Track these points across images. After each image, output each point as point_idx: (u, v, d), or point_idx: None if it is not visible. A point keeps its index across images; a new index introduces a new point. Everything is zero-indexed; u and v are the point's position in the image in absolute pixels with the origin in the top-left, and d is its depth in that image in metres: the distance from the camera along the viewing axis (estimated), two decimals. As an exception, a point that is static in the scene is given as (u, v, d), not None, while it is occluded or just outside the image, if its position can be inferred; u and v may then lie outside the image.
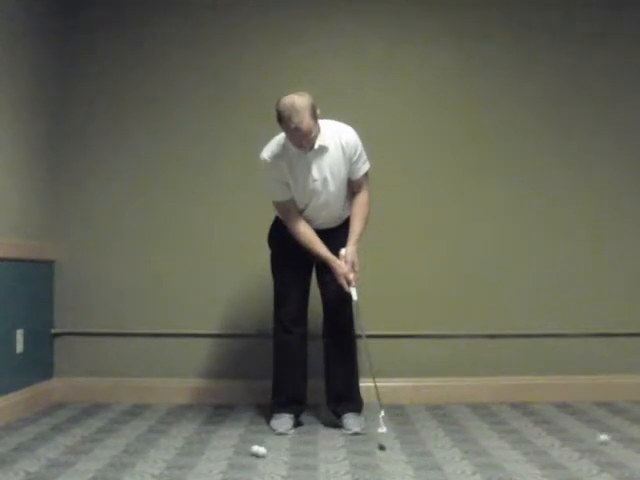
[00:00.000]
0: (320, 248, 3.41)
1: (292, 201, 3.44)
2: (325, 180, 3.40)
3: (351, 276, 3.36)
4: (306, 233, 3.43)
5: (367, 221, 3.50)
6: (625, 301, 4.25)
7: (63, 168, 4.23)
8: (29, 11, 3.88)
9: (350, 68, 4.27)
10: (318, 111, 3.27)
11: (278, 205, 3.48)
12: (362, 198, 3.50)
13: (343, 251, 3.41)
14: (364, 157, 3.48)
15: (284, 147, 3.38)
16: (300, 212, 3.47)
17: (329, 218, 3.51)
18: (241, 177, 4.20)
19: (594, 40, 4.30)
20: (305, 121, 3.19)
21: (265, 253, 3.64)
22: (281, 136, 3.41)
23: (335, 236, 3.48)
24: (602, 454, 2.96)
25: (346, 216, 3.54)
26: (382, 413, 3.18)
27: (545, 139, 4.28)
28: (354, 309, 3.42)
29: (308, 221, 3.49)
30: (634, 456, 2.93)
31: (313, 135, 3.27)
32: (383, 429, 3.12)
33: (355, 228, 3.46)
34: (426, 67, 4.29)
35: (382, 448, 3.06)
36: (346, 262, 3.38)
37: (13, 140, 3.72)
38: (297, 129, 3.20)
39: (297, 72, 4.18)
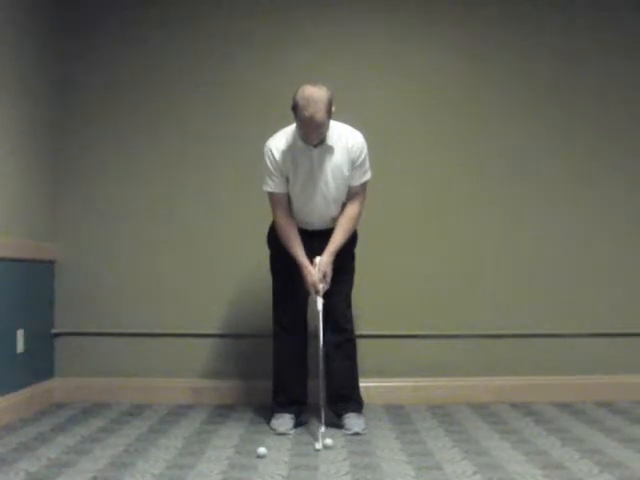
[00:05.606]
0: (297, 249, 3.39)
1: (285, 195, 3.43)
2: (326, 180, 3.39)
3: (320, 286, 3.34)
4: (288, 229, 3.41)
5: (350, 234, 3.45)
6: (625, 301, 4.25)
7: (63, 168, 4.24)
8: (29, 14, 3.88)
9: (350, 68, 4.26)
10: (333, 108, 3.27)
11: (271, 195, 3.45)
12: (352, 210, 3.45)
13: (318, 259, 3.39)
14: (366, 166, 3.44)
15: (291, 140, 3.36)
16: (295, 210, 3.46)
17: (324, 219, 3.49)
18: (240, 177, 4.20)
19: (594, 40, 4.31)
20: (319, 113, 3.17)
21: (264, 253, 3.64)
22: (290, 128, 3.40)
23: (328, 239, 3.43)
24: (603, 454, 2.96)
25: None
26: (322, 429, 3.24)
27: (546, 138, 4.28)
28: (320, 320, 3.36)
29: (303, 221, 3.48)
30: (634, 456, 2.93)
31: (323, 130, 3.26)
32: (329, 441, 3.13)
33: (335, 238, 3.41)
34: (427, 66, 4.29)
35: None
36: (318, 271, 3.36)
37: (13, 140, 3.72)
38: (310, 119, 3.17)
39: (297, 72, 4.17)
